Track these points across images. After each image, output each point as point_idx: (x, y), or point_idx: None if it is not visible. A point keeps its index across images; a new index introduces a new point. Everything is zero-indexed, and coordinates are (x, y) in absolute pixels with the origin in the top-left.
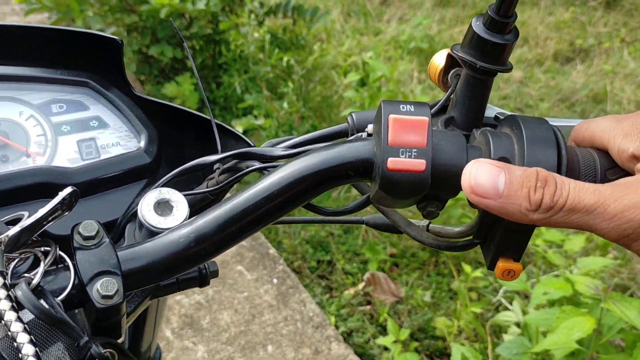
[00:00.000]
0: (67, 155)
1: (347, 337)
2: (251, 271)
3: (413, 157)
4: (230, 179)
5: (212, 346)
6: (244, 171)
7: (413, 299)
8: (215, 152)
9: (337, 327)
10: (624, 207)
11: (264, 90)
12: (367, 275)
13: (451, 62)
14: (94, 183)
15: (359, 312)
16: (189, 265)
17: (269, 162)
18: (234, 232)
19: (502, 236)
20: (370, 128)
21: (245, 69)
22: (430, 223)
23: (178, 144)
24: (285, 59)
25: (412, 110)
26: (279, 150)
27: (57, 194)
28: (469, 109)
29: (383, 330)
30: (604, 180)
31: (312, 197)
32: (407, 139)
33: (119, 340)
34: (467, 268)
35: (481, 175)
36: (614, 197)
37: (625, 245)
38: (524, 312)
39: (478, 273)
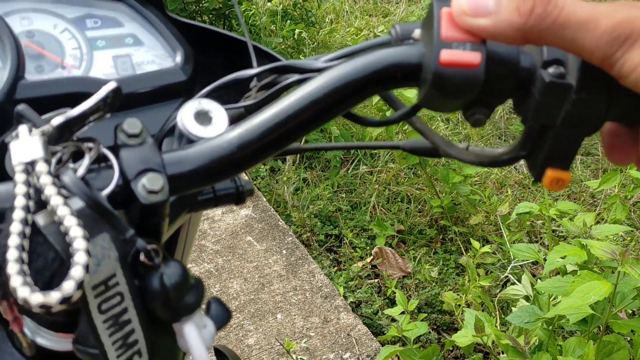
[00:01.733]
0: (102, 70)
1: (355, 307)
2: (260, 242)
3: (468, 49)
4: (269, 91)
5: None
6: (284, 83)
7: (420, 274)
8: None
9: (345, 298)
10: (615, 21)
11: None
12: (375, 249)
13: None
14: (131, 97)
15: (367, 284)
16: (233, 171)
17: (310, 74)
18: (277, 138)
19: (552, 145)
20: (417, 33)
21: (256, 41)
22: (469, 145)
23: (208, 68)
24: (297, 31)
25: None
26: (319, 63)
27: None
28: None
29: (391, 303)
30: None
31: (358, 102)
32: (461, 33)
33: None
34: (475, 244)
35: None
36: (607, 12)
37: (609, 67)
38: (533, 286)
39: (487, 248)
